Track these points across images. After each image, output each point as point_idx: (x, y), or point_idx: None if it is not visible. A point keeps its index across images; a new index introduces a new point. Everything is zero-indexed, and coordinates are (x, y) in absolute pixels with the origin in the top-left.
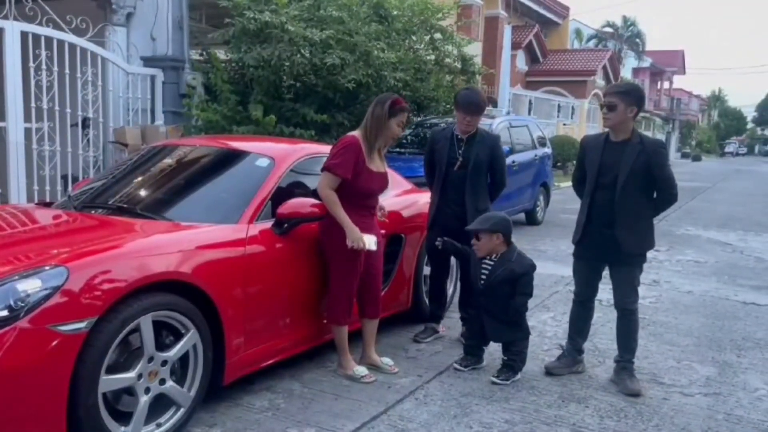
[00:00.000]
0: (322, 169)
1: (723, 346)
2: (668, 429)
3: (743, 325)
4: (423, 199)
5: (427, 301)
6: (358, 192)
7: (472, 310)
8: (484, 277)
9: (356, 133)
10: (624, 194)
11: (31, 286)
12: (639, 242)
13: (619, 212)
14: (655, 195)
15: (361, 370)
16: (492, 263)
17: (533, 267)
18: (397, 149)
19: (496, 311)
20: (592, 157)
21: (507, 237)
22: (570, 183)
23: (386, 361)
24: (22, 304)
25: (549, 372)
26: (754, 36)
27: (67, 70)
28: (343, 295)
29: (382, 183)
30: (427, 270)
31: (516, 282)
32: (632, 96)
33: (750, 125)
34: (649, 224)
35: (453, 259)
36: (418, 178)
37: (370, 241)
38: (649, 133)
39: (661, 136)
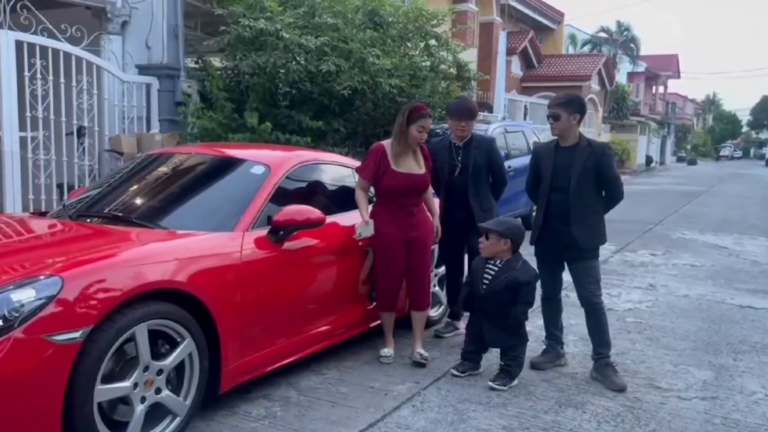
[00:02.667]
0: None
1: (719, 349)
2: None
3: (739, 328)
4: None
5: None
6: (384, 191)
7: (471, 315)
8: (486, 282)
9: (386, 140)
10: (577, 194)
11: (25, 296)
12: (593, 237)
13: (574, 211)
14: (603, 193)
15: (384, 351)
16: (496, 269)
17: (536, 277)
18: None
19: (496, 317)
20: (545, 163)
21: (515, 245)
22: None
23: (420, 352)
24: (17, 314)
25: (534, 367)
26: (749, 40)
27: (62, 79)
28: (379, 284)
29: (407, 182)
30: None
31: (518, 290)
32: (573, 105)
33: (745, 129)
34: (601, 220)
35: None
36: None
37: (360, 229)
38: (644, 138)
39: (656, 140)
